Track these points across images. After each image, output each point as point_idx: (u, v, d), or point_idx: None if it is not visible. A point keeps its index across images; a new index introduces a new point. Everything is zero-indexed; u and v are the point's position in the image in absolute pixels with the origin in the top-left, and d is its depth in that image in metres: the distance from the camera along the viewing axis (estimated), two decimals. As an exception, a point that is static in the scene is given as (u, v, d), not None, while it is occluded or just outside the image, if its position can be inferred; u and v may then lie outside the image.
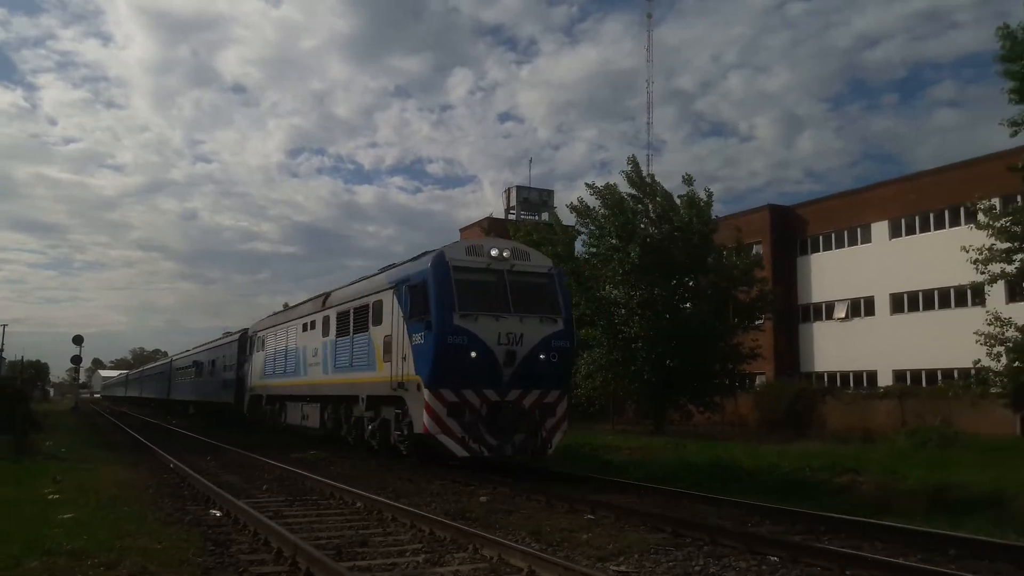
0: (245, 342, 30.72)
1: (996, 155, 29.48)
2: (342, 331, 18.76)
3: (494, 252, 14.68)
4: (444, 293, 13.86)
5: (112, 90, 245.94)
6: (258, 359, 27.73)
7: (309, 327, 21.66)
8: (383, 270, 18.06)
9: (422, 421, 13.69)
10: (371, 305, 16.88)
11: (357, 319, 17.72)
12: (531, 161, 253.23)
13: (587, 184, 28.96)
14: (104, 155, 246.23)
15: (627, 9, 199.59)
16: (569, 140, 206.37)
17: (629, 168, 28.41)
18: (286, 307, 33.90)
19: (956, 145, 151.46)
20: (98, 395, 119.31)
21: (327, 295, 21.15)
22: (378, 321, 16.31)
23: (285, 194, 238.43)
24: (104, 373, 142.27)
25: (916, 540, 8.39)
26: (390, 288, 15.89)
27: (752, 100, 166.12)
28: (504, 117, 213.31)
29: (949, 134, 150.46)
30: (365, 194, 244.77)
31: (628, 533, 8.84)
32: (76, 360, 50.58)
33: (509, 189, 60.84)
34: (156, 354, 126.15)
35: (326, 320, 20.12)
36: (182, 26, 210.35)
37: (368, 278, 18.68)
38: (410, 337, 14.46)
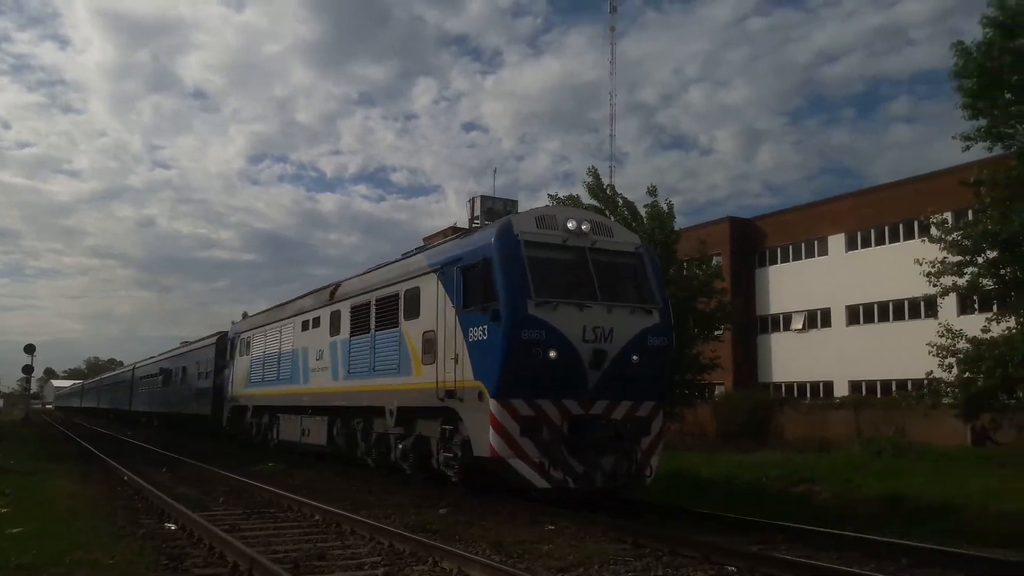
0: (225, 345, 27.40)
1: (949, 170, 30.31)
2: (359, 328, 15.67)
3: (571, 224, 11.83)
4: (515, 274, 10.96)
5: (69, 94, 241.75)
6: (242, 365, 24.37)
7: (311, 325, 18.52)
8: (418, 251, 15.16)
9: (487, 441, 10.72)
10: (402, 295, 13.85)
11: (382, 313, 14.67)
12: (495, 171, 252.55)
13: (550, 195, 29.05)
14: (59, 160, 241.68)
15: (591, 22, 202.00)
16: (533, 151, 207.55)
17: (590, 179, 28.58)
18: (281, 306, 30.41)
19: (911, 160, 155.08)
20: (50, 406, 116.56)
21: (336, 286, 17.94)
22: (413, 313, 13.37)
23: (245, 201, 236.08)
24: (57, 383, 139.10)
25: (872, 549, 8.54)
26: (431, 271, 12.87)
27: (712, 114, 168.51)
28: (469, 127, 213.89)
29: (905, 149, 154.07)
30: (327, 202, 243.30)
31: (589, 544, 8.85)
32: (27, 370, 49.25)
33: (473, 199, 60.72)
34: (111, 363, 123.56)
35: (335, 316, 17.01)
36: (142, 30, 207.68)
37: (395, 262, 15.47)
38: (465, 332, 11.52)
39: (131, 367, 52.37)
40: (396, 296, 14.13)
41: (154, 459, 21.37)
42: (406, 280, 13.86)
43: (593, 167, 28.54)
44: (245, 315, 36.74)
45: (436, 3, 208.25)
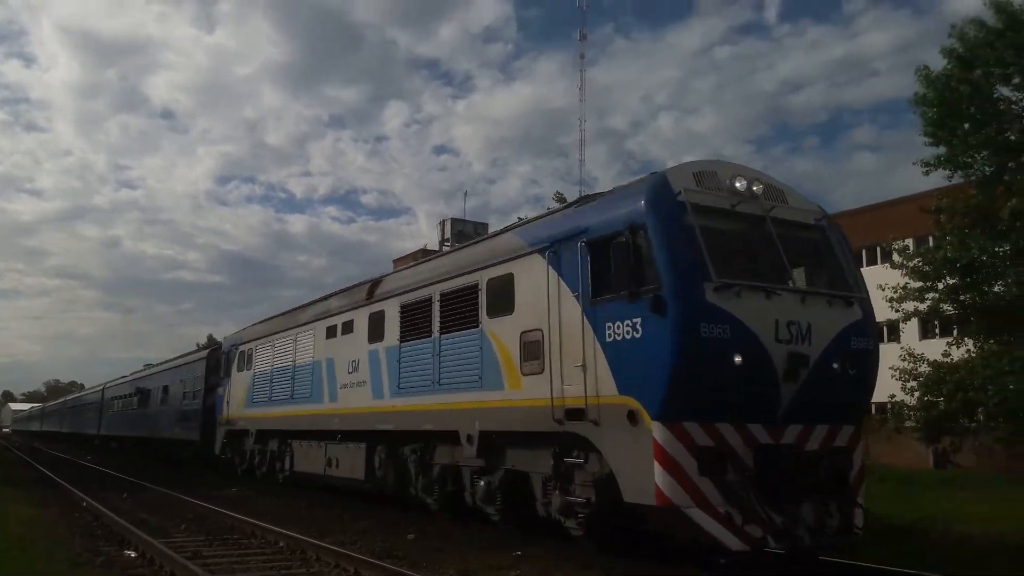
0: (218, 360, 23.96)
1: (911, 197, 30.96)
2: (414, 331, 12.67)
3: (739, 184, 9.00)
4: (684, 246, 8.16)
5: (33, 112, 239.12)
6: (241, 382, 21.05)
7: (340, 331, 15.44)
8: (505, 230, 12.23)
9: (650, 482, 7.78)
10: (484, 285, 10.89)
11: (451, 310, 11.67)
12: (466, 194, 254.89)
13: (519, 218, 29.31)
14: (22, 179, 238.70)
15: (561, 49, 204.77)
16: (504, 175, 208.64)
17: (556, 204, 29.29)
18: (294, 311, 23.09)
19: (874, 188, 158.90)
20: (7, 430, 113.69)
21: (375, 281, 14.94)
22: (502, 308, 10.41)
23: (213, 222, 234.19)
24: (15, 406, 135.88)
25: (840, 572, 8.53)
26: (533, 251, 10.01)
27: (680, 140, 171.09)
28: (440, 150, 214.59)
29: (867, 177, 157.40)
30: (296, 223, 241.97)
31: (556, 573, 8.80)
32: (-17, 393, 48.03)
33: (444, 221, 60.55)
34: (72, 386, 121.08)
35: (376, 318, 13.97)
36: (110, 49, 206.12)
37: (467, 246, 12.84)
38: (599, 329, 8.61)
39: (101, 387, 48.06)
40: (474, 288, 11.16)
41: (115, 484, 20.89)
42: (491, 266, 10.89)
43: (559, 192, 29.17)
44: (211, 337, 35.75)
45: (408, 27, 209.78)
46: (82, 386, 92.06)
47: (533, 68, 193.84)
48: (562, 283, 9.32)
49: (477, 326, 10.94)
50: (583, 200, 10.73)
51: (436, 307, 12.10)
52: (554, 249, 9.57)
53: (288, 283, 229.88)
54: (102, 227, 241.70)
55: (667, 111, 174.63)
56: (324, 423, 15.71)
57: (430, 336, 12.16)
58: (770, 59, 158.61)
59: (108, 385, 45.36)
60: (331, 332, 15.90)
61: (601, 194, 10.20)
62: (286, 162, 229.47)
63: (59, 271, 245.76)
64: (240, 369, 21.29)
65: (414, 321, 12.73)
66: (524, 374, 9.84)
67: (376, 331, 13.92)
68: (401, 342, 13.00)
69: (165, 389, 30.92)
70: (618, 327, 8.35)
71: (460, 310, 11.46)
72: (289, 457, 17.98)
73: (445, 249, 13.15)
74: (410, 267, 14.67)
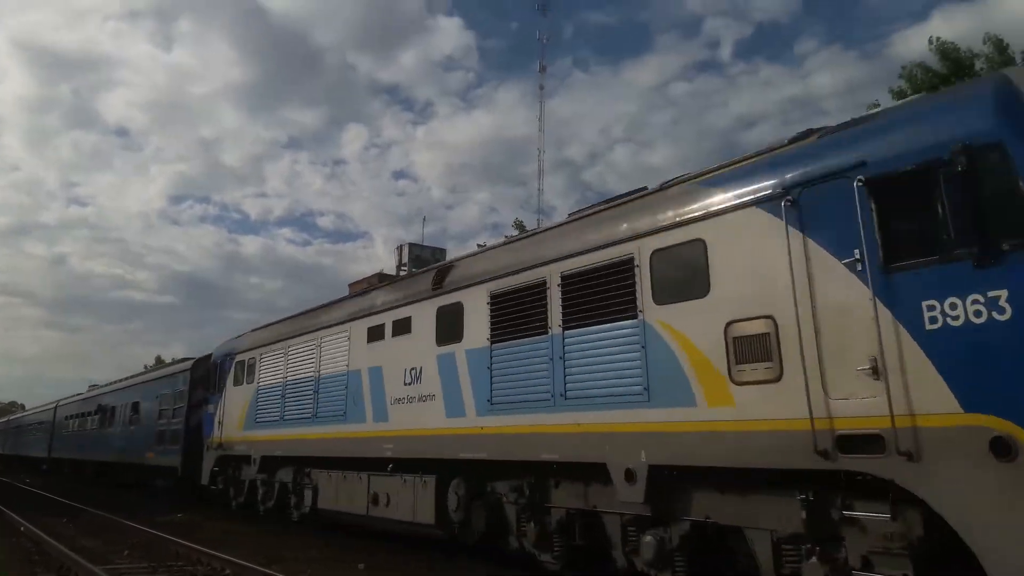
0: (205, 373, 20.73)
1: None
2: (514, 327, 9.82)
3: None
4: None
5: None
6: (238, 397, 17.51)
7: (391, 331, 12.42)
8: (670, 183, 8.90)
9: None
10: (650, 259, 8.15)
11: (585, 296, 8.88)
12: (424, 219, 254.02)
13: (479, 245, 29.54)
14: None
15: (521, 79, 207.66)
16: (463, 201, 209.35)
17: (516, 232, 29.52)
18: (315, 310, 18.35)
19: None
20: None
21: (445, 267, 12.01)
22: (688, 289, 7.68)
23: (164, 242, 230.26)
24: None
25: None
26: (747, 203, 7.30)
27: (636, 173, 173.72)
28: (399, 175, 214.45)
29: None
30: (250, 245, 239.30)
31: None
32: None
33: (401, 246, 60.92)
34: (12, 406, 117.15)
35: (449, 314, 11.08)
36: (65, 65, 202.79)
37: (605, 207, 9.61)
38: (910, 312, 5.95)
39: (53, 404, 42.53)
40: (626, 264, 8.40)
41: (54, 508, 20.27)
42: (657, 231, 8.13)
43: (518, 219, 29.48)
44: (159, 359, 34.77)
45: (369, 53, 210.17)
46: (22, 406, 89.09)
47: (494, 97, 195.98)
48: (814, 246, 6.58)
49: (636, 316, 8.14)
50: (829, 130, 7.29)
51: (555, 293, 9.20)
52: (793, 196, 6.79)
53: (240, 305, 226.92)
54: (49, 244, 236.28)
55: (623, 144, 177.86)
56: (368, 448, 12.34)
57: (545, 333, 9.25)
58: (724, 96, 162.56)
59: (62, 402, 40.18)
60: (376, 334, 12.83)
61: (871, 115, 7.07)
62: (242, 183, 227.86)
63: (1, 288, 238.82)
64: (238, 382, 17.67)
65: (515, 314, 9.82)
66: (737, 383, 7.02)
67: (450, 330, 10.97)
68: (493, 343, 10.07)
69: (134, 406, 26.75)
70: (952, 307, 5.69)
71: (600, 296, 8.66)
72: (310, 490, 14.51)
73: (566, 217, 10.21)
74: (496, 247, 11.65)
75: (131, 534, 14.57)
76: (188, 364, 22.99)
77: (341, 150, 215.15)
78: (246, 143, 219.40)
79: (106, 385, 34.74)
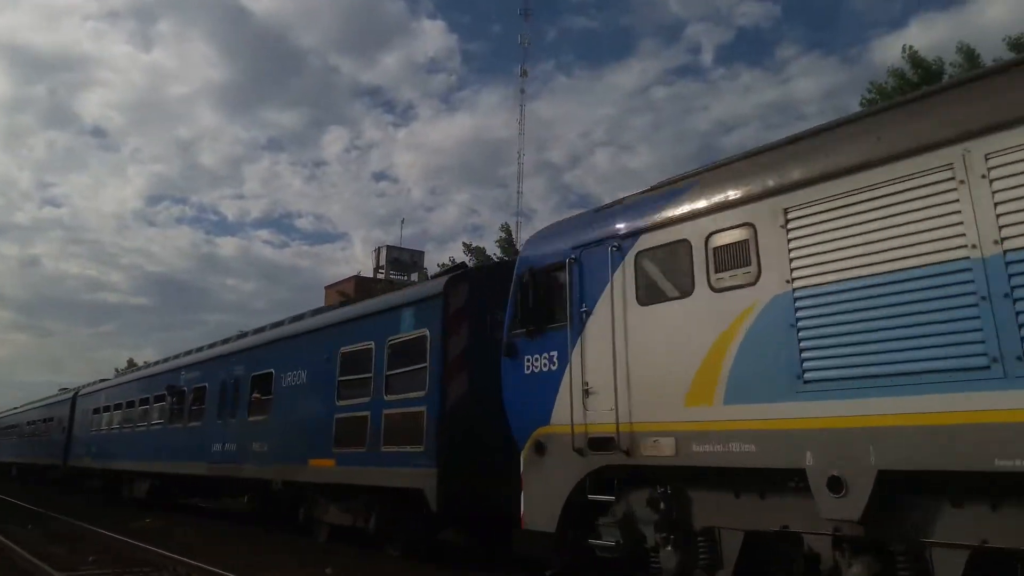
0: (470, 302, 11.17)
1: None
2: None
3: None
4: None
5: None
6: (651, 330, 7.60)
7: None
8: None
9: None
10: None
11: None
12: (403, 221, 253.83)
13: (464, 243, 29.84)
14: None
15: (503, 82, 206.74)
16: (443, 203, 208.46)
17: (503, 235, 30.38)
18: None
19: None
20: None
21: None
22: None
23: (140, 243, 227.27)
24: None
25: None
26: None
27: (617, 176, 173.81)
28: (379, 176, 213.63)
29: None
30: (227, 246, 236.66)
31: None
32: None
33: (379, 248, 60.68)
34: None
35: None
36: (41, 64, 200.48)
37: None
38: None
39: (72, 394, 31.25)
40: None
41: (17, 514, 19.93)
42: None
43: (506, 224, 30.22)
44: (131, 362, 27.16)
45: (352, 55, 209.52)
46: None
47: (475, 100, 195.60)
48: None
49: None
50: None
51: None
52: None
53: (215, 307, 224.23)
54: (21, 245, 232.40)
55: (604, 147, 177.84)
56: None
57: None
58: (705, 100, 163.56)
59: (83, 392, 29.89)
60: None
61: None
62: (219, 184, 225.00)
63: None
64: (651, 297, 7.70)
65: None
66: None
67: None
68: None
69: (270, 376, 15.19)
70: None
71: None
72: None
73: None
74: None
75: (98, 540, 14.39)
76: (438, 284, 11.51)
77: (321, 151, 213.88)
78: (225, 144, 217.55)
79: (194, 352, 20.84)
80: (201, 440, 17.53)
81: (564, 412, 8.00)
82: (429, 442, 10.37)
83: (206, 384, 18.15)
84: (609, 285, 7.87)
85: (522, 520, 8.38)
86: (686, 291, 7.08)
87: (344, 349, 12.80)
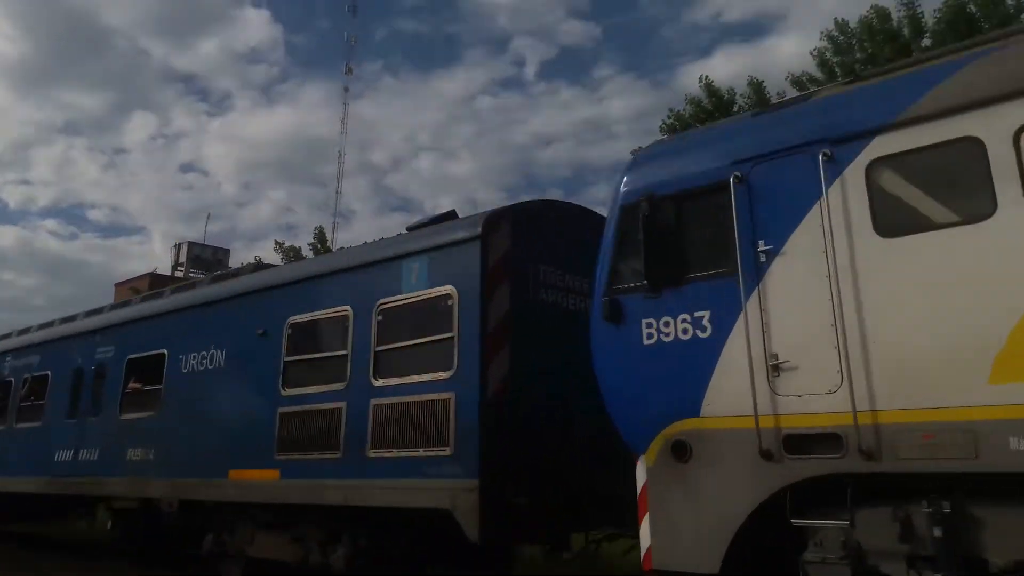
0: (531, 246, 8.30)
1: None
2: None
3: None
4: None
5: None
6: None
7: None
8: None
9: None
10: None
11: None
12: (209, 216, 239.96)
13: (276, 241, 28.75)
14: None
15: (328, 78, 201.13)
16: (256, 199, 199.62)
17: (314, 239, 30.00)
18: None
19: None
20: None
21: None
22: None
23: None
24: None
25: None
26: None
27: (439, 181, 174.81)
28: (187, 168, 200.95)
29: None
30: (5, 236, 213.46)
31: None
32: None
33: (180, 244, 56.81)
34: None
35: None
36: None
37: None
38: None
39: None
40: None
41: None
42: None
43: (320, 226, 29.80)
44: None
45: (165, 38, 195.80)
46: None
47: (298, 94, 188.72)
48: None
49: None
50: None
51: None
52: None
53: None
54: None
55: (428, 152, 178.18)
56: None
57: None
58: (525, 113, 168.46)
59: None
60: None
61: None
62: (2, 168, 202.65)
63: None
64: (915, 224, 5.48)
65: None
66: None
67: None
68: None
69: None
70: None
71: None
72: None
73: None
74: None
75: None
76: (471, 223, 8.32)
77: (123, 138, 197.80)
78: (12, 124, 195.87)
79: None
80: (38, 446, 13.69)
81: (733, 397, 5.51)
82: (461, 442, 7.40)
83: (48, 372, 14.20)
84: (818, 209, 5.42)
85: (648, 558, 5.86)
86: (980, 213, 4.85)
87: (295, 319, 9.60)
